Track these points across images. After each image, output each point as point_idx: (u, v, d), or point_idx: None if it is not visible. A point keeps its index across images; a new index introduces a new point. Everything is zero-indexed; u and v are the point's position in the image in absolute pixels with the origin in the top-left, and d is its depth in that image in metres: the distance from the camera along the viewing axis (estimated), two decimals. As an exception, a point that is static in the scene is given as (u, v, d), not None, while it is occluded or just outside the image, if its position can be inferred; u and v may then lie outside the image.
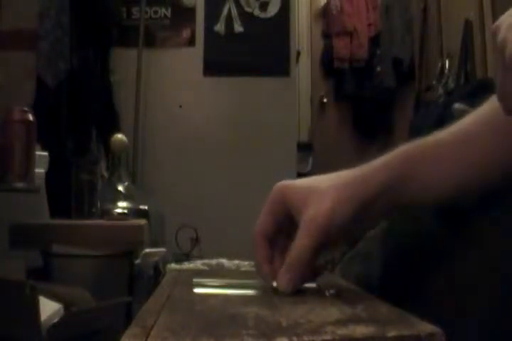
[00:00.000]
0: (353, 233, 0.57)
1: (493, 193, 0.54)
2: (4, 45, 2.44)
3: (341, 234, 0.54)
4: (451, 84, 2.82)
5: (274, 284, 0.54)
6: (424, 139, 0.58)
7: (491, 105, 0.55)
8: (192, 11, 2.81)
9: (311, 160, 3.61)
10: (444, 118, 2.25)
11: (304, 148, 3.42)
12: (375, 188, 0.54)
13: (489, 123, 0.55)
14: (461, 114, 0.59)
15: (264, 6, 2.80)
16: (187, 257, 1.78)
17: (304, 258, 0.53)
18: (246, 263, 1.16)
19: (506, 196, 0.53)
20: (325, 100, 3.92)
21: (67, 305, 1.08)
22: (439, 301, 0.55)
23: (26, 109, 1.47)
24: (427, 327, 0.39)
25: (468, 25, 2.74)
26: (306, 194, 0.54)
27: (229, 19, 2.80)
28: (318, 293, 0.53)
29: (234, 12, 2.79)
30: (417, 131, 2.37)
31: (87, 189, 1.84)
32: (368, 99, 3.75)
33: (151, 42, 2.78)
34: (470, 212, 0.56)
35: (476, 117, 0.57)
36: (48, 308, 1.01)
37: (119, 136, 2.05)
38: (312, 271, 0.55)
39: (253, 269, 0.58)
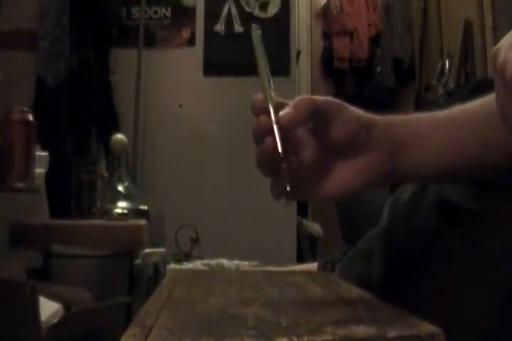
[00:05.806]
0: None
1: (493, 192, 0.54)
2: (4, 45, 2.44)
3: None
4: (451, 84, 2.82)
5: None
6: (424, 114, 0.57)
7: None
8: (192, 11, 2.80)
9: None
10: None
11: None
12: (378, 123, 0.54)
13: (491, 105, 0.54)
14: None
15: (264, 6, 2.79)
16: (187, 257, 1.78)
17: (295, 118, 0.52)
18: (246, 263, 1.16)
19: (506, 195, 0.53)
20: (325, 100, 3.92)
21: (67, 305, 1.08)
22: (439, 301, 0.55)
23: (26, 109, 1.46)
24: (427, 327, 0.38)
25: (468, 25, 2.74)
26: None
27: (229, 19, 2.79)
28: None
29: (234, 12, 2.79)
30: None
31: (87, 189, 1.84)
32: (368, 99, 3.74)
33: (151, 42, 2.77)
34: (470, 211, 0.56)
35: (480, 101, 0.56)
36: (48, 308, 1.01)
37: (119, 136, 2.05)
38: None
39: (253, 269, 0.58)
